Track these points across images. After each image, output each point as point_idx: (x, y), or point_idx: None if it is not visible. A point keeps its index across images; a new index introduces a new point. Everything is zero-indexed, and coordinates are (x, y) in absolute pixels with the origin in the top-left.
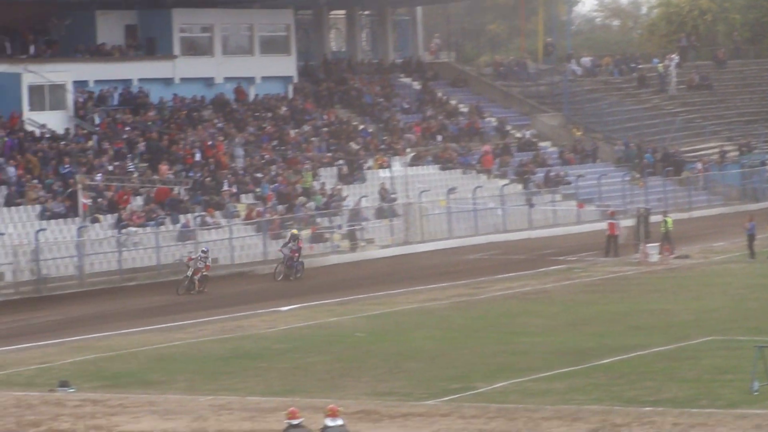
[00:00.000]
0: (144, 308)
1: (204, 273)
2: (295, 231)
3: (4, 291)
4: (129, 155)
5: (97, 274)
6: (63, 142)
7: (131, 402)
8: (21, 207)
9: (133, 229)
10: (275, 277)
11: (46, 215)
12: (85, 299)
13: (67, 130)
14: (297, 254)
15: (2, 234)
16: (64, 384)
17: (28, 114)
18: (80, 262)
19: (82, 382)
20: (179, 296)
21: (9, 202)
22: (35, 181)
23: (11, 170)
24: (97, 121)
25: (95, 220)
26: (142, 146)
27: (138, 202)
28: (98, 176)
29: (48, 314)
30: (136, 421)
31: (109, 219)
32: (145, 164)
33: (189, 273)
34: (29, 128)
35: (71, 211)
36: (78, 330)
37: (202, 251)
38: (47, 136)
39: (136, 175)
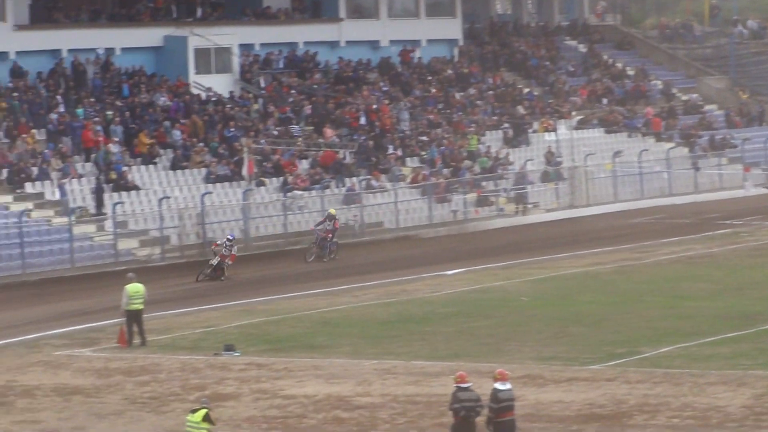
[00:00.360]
0: (308, 272)
1: (228, 263)
2: (332, 211)
3: (170, 254)
4: (294, 118)
5: (262, 238)
6: (228, 106)
7: (296, 366)
8: (186, 171)
9: (299, 192)
10: (306, 258)
11: (212, 179)
12: (249, 263)
13: (232, 93)
14: (331, 235)
15: (168, 198)
16: (229, 348)
17: (194, 77)
18: (245, 226)
19: (246, 345)
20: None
21: (175, 166)
22: (201, 144)
23: (177, 134)
24: (262, 84)
25: (260, 184)
26: (307, 110)
27: (303, 165)
28: (261, 141)
29: (214, 278)
30: (300, 385)
31: (275, 182)
32: (311, 128)
33: (214, 262)
34: (195, 92)
35: (236, 175)
36: (243, 294)
37: (228, 239)
38: (213, 99)
39: (301, 138)
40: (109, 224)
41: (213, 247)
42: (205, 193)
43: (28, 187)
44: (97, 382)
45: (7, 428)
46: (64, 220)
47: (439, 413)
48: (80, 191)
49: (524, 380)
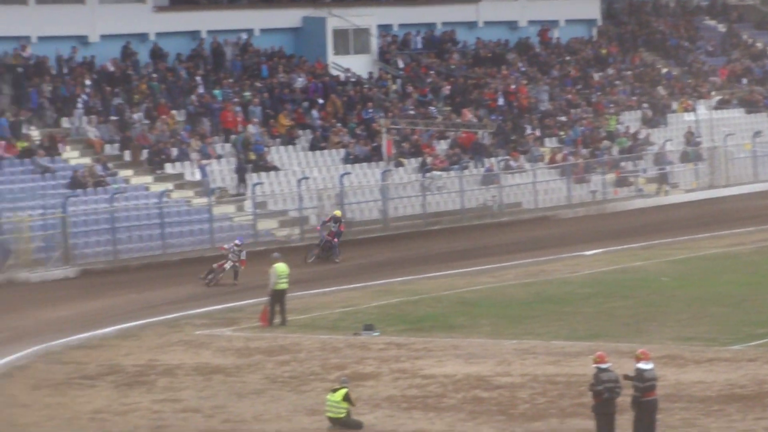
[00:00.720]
0: (447, 252)
1: (240, 267)
2: (338, 212)
3: (309, 234)
4: (432, 99)
5: (400, 218)
6: (367, 86)
7: (435, 346)
8: (325, 151)
9: (437, 173)
10: (306, 259)
11: (350, 159)
12: (388, 243)
13: (370, 74)
14: (336, 239)
15: (307, 178)
16: (368, 327)
17: (332, 58)
18: (384, 206)
19: (386, 325)
20: (485, 239)
21: (314, 147)
22: (339, 125)
23: (315, 114)
24: (400, 64)
25: (399, 164)
26: (446, 90)
27: (442, 146)
28: (399, 122)
29: (352, 257)
30: (440, 365)
31: (413, 163)
32: (449, 108)
33: (227, 266)
34: (334, 72)
35: (375, 155)
36: (382, 274)
37: (236, 244)
38: (351, 80)
39: (439, 119)
40: (248, 204)
41: (220, 249)
42: (344, 174)
43: (168, 168)
44: (238, 361)
45: (148, 407)
46: (204, 200)
47: (578, 393)
48: (219, 172)
49: (664, 360)
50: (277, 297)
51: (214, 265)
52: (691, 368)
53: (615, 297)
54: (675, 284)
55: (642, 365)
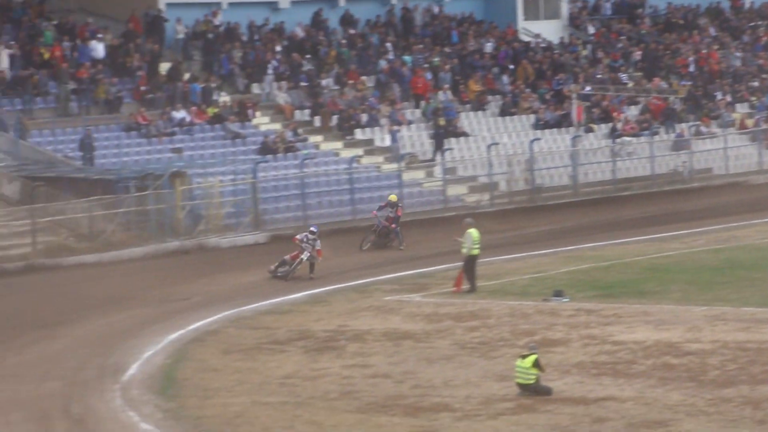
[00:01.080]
0: (637, 218)
1: (318, 259)
2: (393, 197)
3: (498, 201)
4: (623, 65)
5: (590, 184)
6: (557, 52)
7: (625, 312)
8: (515, 117)
9: (627, 138)
10: (360, 247)
11: (540, 125)
12: (578, 209)
13: (561, 39)
14: (394, 224)
15: (497, 144)
16: (558, 294)
17: (522, 24)
18: (574, 172)
19: (575, 291)
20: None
21: (503, 112)
22: (528, 90)
23: (505, 80)
24: (591, 30)
25: (589, 130)
26: (636, 56)
27: (632, 111)
28: (589, 87)
29: (541, 223)
30: (630, 331)
31: (603, 129)
32: (639, 74)
33: (304, 257)
34: (524, 38)
35: (564, 121)
36: (571, 240)
37: (311, 231)
38: (542, 46)
39: (629, 84)
40: (438, 170)
41: (293, 241)
42: (534, 140)
43: (358, 134)
44: (427, 326)
45: (338, 372)
46: (394, 166)
47: None
48: (409, 138)
49: None
50: (472, 262)
51: (287, 257)
52: None
53: None
54: None
55: None
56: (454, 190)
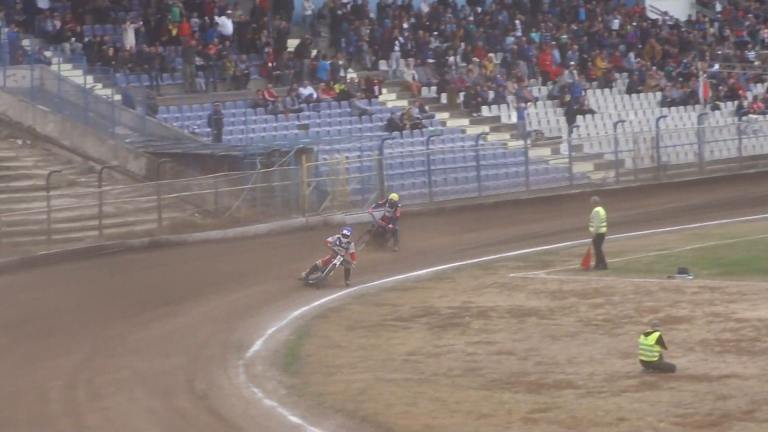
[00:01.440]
0: (763, 196)
1: (352, 263)
2: (394, 196)
3: (624, 178)
4: (750, 42)
5: (715, 162)
6: (684, 30)
7: (750, 289)
8: (641, 94)
9: (753, 116)
10: (355, 247)
11: (667, 102)
12: (703, 186)
13: (688, 17)
14: (392, 225)
15: (623, 121)
16: (682, 271)
17: (650, 2)
18: (699, 150)
19: (699, 269)
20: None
21: (630, 90)
22: (655, 68)
23: (632, 58)
24: (718, 8)
25: (715, 108)
26: (764, 33)
27: (758, 89)
28: (716, 65)
29: (667, 201)
30: (754, 309)
31: (729, 106)
32: (766, 51)
33: (337, 261)
34: (651, 16)
35: (691, 99)
36: (696, 217)
37: (344, 234)
38: (669, 23)
39: (757, 62)
40: (564, 148)
41: (325, 244)
42: (660, 117)
43: (485, 111)
44: (552, 304)
45: (462, 349)
46: (520, 143)
47: None
48: (536, 115)
49: None
50: (600, 241)
51: (318, 262)
52: None
53: None
54: None
55: None
56: (579, 168)
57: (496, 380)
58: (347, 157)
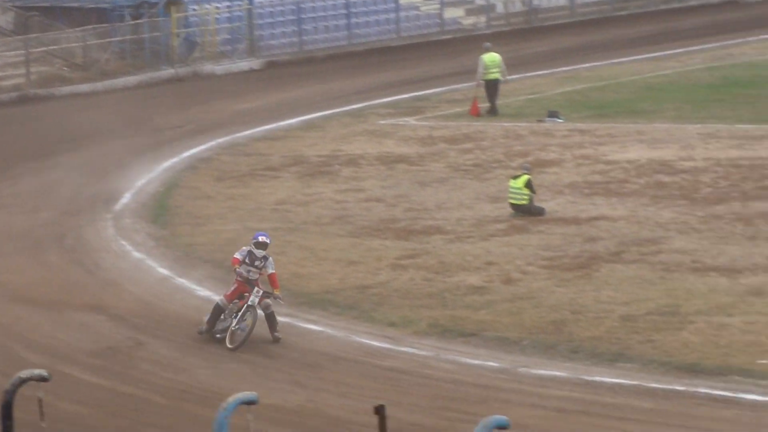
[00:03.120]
0: (634, 37)
1: (270, 303)
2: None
3: (495, 23)
4: None
5: (587, 5)
6: None
7: (619, 131)
8: None
9: None
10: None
11: None
12: (574, 29)
13: None
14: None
15: None
16: (552, 114)
17: None
18: None
19: (570, 112)
20: (673, 23)
21: None
22: None
23: None
24: None
25: None
26: None
27: None
28: None
29: (538, 45)
30: (623, 151)
31: None
32: None
33: (253, 299)
34: None
35: None
36: (567, 60)
37: (258, 243)
38: None
39: None
40: None
41: (233, 264)
42: None
43: None
44: (421, 150)
45: (332, 197)
46: None
47: (761, 176)
48: None
49: None
50: (490, 87)
51: (221, 300)
52: None
53: None
54: None
55: None
56: (450, 13)
57: (365, 227)
58: (217, 8)
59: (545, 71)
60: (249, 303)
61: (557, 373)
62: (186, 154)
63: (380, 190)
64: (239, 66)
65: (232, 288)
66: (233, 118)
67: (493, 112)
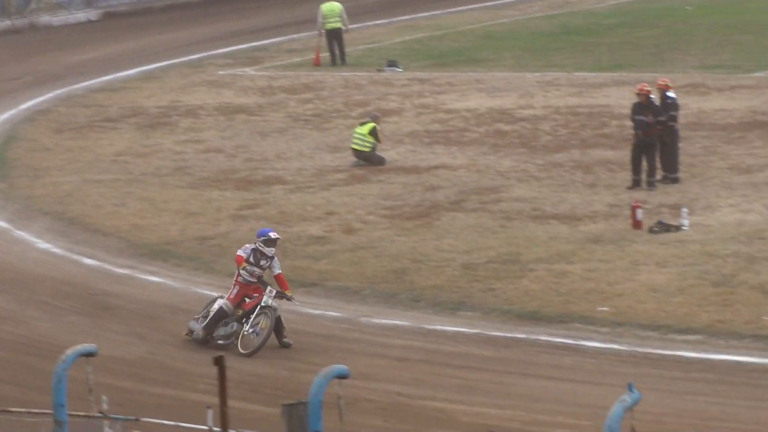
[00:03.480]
0: None
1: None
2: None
3: None
4: None
5: None
6: None
7: (459, 80)
8: None
9: None
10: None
11: None
12: None
13: None
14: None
15: None
16: (392, 63)
17: None
18: None
19: (409, 61)
20: None
21: None
22: None
23: None
24: None
25: None
26: None
27: None
28: None
29: None
30: (463, 99)
31: None
32: None
33: (267, 299)
34: None
35: None
36: (407, 9)
37: (266, 239)
38: None
39: None
40: None
41: (237, 263)
42: None
43: None
44: (260, 100)
45: (171, 148)
46: None
47: (600, 124)
48: None
49: (687, 89)
50: (331, 36)
51: (222, 303)
52: (714, 96)
53: (640, 27)
54: (700, 12)
55: (671, 93)
56: None
57: (204, 178)
58: None
59: (384, 20)
60: (262, 304)
61: (399, 323)
62: (24, 106)
63: (220, 141)
64: (76, 17)
65: (234, 291)
66: (71, 69)
67: (337, 61)
